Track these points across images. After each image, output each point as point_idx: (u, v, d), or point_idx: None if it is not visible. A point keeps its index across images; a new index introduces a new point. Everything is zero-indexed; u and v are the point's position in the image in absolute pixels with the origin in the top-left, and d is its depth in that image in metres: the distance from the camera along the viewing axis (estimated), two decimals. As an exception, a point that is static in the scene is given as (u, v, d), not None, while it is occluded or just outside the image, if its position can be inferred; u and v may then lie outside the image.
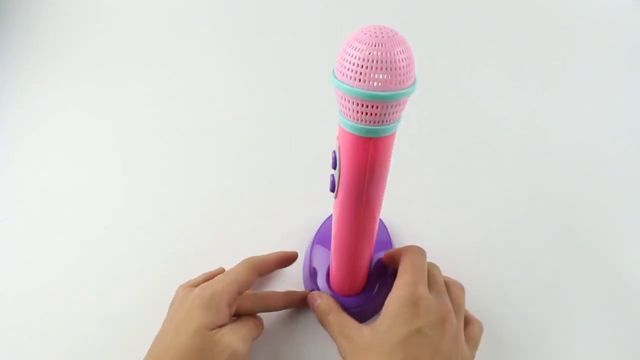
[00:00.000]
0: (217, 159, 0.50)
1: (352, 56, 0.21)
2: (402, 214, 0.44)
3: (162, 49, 0.62)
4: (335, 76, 0.23)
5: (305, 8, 0.63)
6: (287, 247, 0.42)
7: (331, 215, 0.40)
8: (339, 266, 0.34)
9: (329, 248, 0.36)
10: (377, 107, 0.22)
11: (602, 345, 0.37)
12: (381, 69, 0.21)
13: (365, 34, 0.21)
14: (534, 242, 0.43)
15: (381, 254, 0.37)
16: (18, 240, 0.46)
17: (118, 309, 0.41)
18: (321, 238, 0.40)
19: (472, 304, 0.35)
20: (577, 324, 0.38)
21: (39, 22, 0.66)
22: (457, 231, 0.43)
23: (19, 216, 0.48)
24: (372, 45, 0.21)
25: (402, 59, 0.21)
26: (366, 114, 0.23)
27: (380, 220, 0.39)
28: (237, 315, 0.34)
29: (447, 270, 0.39)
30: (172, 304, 0.36)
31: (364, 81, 0.21)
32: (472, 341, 0.31)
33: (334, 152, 0.26)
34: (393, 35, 0.21)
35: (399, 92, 0.22)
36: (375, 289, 0.36)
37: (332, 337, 0.32)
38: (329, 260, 0.37)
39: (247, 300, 0.34)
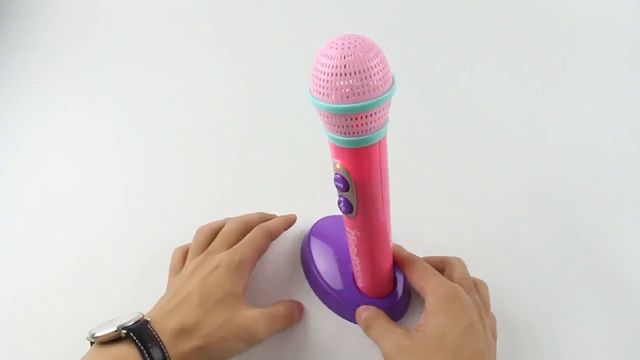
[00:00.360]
0: (217, 159, 0.50)
1: (323, 73, 0.21)
2: (402, 214, 0.44)
3: (162, 49, 0.61)
4: (313, 96, 0.22)
5: (305, 8, 0.63)
6: (287, 247, 0.42)
7: (324, 218, 0.41)
8: (373, 273, 0.34)
9: (328, 245, 0.38)
10: (371, 115, 0.22)
11: (602, 345, 0.37)
12: (356, 79, 0.20)
13: (332, 47, 0.21)
14: (533, 242, 0.43)
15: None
16: (18, 240, 0.46)
17: (118, 309, 0.41)
18: (317, 236, 0.40)
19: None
20: (577, 323, 0.38)
21: (39, 22, 0.66)
22: (457, 231, 0.43)
23: (19, 216, 0.48)
24: (340, 58, 0.20)
25: (374, 65, 0.21)
26: (365, 124, 0.22)
27: None
28: None
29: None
30: (173, 268, 0.37)
31: (347, 96, 0.21)
32: (495, 334, 0.33)
33: (338, 175, 0.26)
34: (361, 43, 0.21)
35: (381, 97, 0.21)
36: (402, 285, 0.37)
37: (377, 342, 0.32)
38: (331, 257, 0.38)
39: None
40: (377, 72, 0.21)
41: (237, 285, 0.33)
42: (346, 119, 0.22)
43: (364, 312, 0.34)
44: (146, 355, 0.27)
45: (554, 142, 0.49)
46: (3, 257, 0.45)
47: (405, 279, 0.37)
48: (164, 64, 0.60)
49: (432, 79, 0.55)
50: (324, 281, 0.37)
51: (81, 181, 0.50)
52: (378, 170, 0.26)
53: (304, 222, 0.42)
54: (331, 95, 0.21)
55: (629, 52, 0.56)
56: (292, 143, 0.50)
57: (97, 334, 0.29)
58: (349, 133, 0.23)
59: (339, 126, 0.22)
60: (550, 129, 0.50)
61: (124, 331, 0.29)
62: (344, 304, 0.37)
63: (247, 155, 0.50)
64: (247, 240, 0.36)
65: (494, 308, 0.35)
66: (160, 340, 0.28)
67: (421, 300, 0.34)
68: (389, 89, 0.22)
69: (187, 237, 0.44)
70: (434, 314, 0.30)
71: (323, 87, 0.21)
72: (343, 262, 0.38)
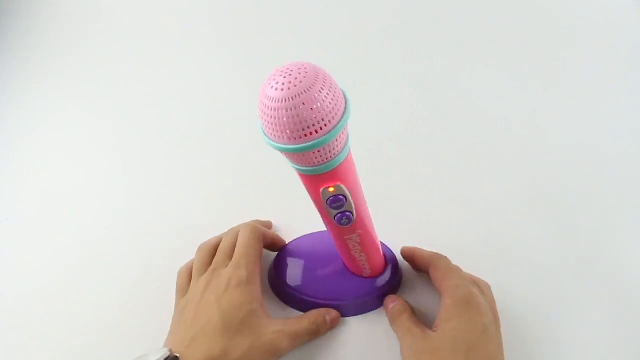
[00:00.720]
0: (217, 159, 0.50)
1: (271, 117, 0.20)
2: (402, 214, 0.44)
3: (162, 49, 0.62)
4: (269, 138, 0.22)
5: (305, 8, 0.63)
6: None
7: (304, 235, 0.42)
8: (377, 253, 0.36)
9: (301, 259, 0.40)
10: (341, 135, 0.22)
11: (602, 345, 0.37)
12: (311, 118, 0.20)
13: (273, 87, 0.20)
14: (533, 242, 0.43)
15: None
16: (18, 240, 0.46)
17: (118, 309, 0.41)
18: (288, 253, 0.41)
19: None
20: (577, 323, 0.38)
21: (39, 22, 0.66)
22: (457, 231, 0.43)
23: (19, 216, 0.48)
24: (286, 101, 0.19)
25: (324, 97, 0.20)
26: (340, 143, 0.22)
27: None
28: None
29: (447, 270, 0.39)
30: (181, 289, 0.37)
31: (315, 131, 0.20)
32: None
33: (335, 197, 0.26)
34: (304, 75, 0.19)
35: (339, 126, 0.21)
36: (390, 265, 0.39)
37: (399, 336, 0.33)
38: (319, 281, 0.39)
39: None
40: (329, 102, 0.20)
41: (254, 300, 0.33)
42: (324, 149, 0.22)
43: (391, 303, 0.36)
44: None
45: (554, 142, 0.49)
46: (3, 257, 0.45)
47: (391, 253, 0.40)
48: (164, 64, 0.60)
49: (432, 79, 0.55)
50: (337, 301, 0.38)
51: (81, 181, 0.50)
52: (355, 166, 0.27)
53: (305, 222, 0.42)
54: (299, 138, 0.20)
55: (629, 52, 0.56)
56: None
57: None
58: (333, 156, 0.23)
59: (325, 154, 0.22)
60: (550, 129, 0.50)
61: None
62: (360, 300, 0.38)
63: (247, 155, 0.50)
64: (244, 249, 0.36)
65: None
66: None
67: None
68: (344, 110, 0.21)
69: (187, 237, 0.44)
70: (449, 317, 0.31)
71: (288, 133, 0.20)
72: (330, 273, 0.39)
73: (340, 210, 0.27)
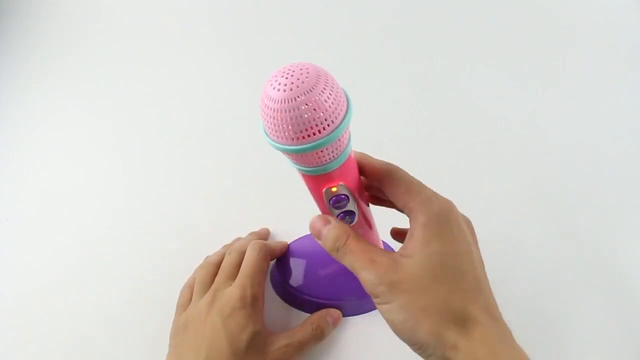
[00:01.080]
0: (217, 159, 0.50)
1: (273, 117, 0.20)
2: (402, 214, 0.44)
3: (162, 49, 0.61)
4: (270, 138, 0.22)
5: (305, 8, 0.63)
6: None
7: (305, 235, 0.42)
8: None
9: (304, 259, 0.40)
10: (343, 135, 0.22)
11: (602, 345, 0.37)
12: (308, 119, 0.20)
13: (275, 87, 0.19)
14: (533, 242, 0.43)
15: None
16: (18, 240, 0.46)
17: (118, 309, 0.41)
18: (289, 253, 0.41)
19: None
20: (577, 323, 0.38)
21: (39, 22, 0.66)
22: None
23: (19, 216, 0.48)
24: (288, 102, 0.19)
25: (326, 98, 0.20)
26: (342, 143, 0.22)
27: None
28: None
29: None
30: (181, 305, 0.37)
31: (319, 131, 0.20)
32: None
33: (338, 196, 0.26)
34: (306, 76, 0.19)
35: (345, 119, 0.21)
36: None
37: (353, 269, 0.26)
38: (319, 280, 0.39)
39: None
40: (331, 103, 0.20)
41: (258, 321, 0.33)
42: (327, 149, 0.22)
43: (323, 227, 0.27)
44: None
45: (554, 142, 0.49)
46: (3, 257, 0.45)
47: (387, 247, 0.39)
48: (164, 64, 0.60)
49: (432, 79, 0.55)
50: (338, 299, 0.38)
51: (81, 181, 0.50)
52: (357, 166, 0.27)
53: (305, 222, 0.42)
54: (301, 139, 0.20)
55: (629, 52, 0.56)
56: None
57: None
58: (336, 156, 0.23)
59: (327, 154, 0.22)
60: (550, 129, 0.50)
61: None
62: (362, 300, 0.38)
63: (247, 155, 0.50)
64: (250, 269, 0.36)
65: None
66: None
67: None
68: (347, 111, 0.21)
69: (187, 237, 0.44)
70: (427, 238, 0.24)
71: (290, 134, 0.20)
72: (332, 272, 0.39)
73: (342, 209, 0.27)
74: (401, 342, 0.37)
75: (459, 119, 0.52)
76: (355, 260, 0.25)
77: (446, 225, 0.25)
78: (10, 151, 0.54)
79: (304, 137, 0.20)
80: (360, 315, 0.38)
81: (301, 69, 0.20)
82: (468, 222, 0.28)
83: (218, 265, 0.38)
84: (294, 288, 0.38)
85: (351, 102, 0.22)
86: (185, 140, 0.52)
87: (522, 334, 0.37)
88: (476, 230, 0.43)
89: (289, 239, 0.42)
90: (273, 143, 0.21)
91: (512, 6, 0.62)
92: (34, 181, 0.51)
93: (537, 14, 0.61)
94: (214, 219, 0.46)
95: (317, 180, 0.25)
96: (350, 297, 0.38)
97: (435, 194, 0.27)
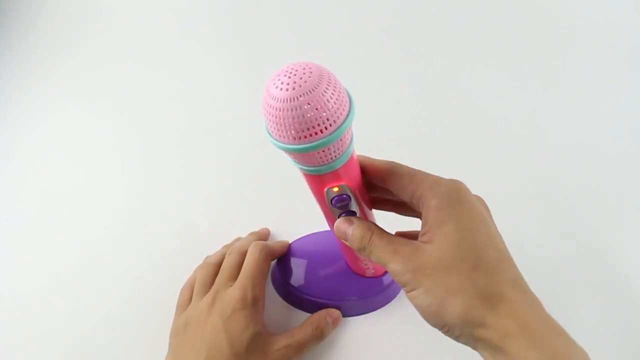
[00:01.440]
0: (217, 159, 0.50)
1: (275, 117, 0.20)
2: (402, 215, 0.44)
3: (162, 49, 0.61)
4: (273, 137, 0.22)
5: (305, 8, 0.63)
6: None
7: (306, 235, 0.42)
8: None
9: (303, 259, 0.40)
10: (346, 135, 0.22)
11: (602, 345, 0.37)
12: (311, 119, 0.20)
13: (278, 86, 0.20)
14: (533, 242, 0.43)
15: None
16: (18, 240, 0.46)
17: (118, 309, 0.41)
18: (290, 253, 0.41)
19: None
20: (577, 323, 0.38)
21: (39, 22, 0.66)
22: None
23: (19, 216, 0.48)
24: (290, 101, 0.19)
25: (327, 100, 0.20)
26: (345, 143, 0.22)
27: None
28: None
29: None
30: (181, 305, 0.36)
31: (321, 130, 0.20)
32: None
33: (340, 196, 0.26)
34: (309, 75, 0.19)
35: (348, 118, 0.21)
36: None
37: (380, 263, 0.26)
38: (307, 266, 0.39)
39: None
40: (334, 102, 0.20)
41: (258, 322, 0.34)
42: (329, 148, 0.22)
43: (348, 228, 0.27)
44: None
45: (554, 142, 0.49)
46: (3, 257, 0.45)
47: None
48: (164, 64, 0.60)
49: (432, 79, 0.55)
50: (338, 301, 0.38)
51: (81, 181, 0.50)
52: (359, 166, 0.27)
53: (305, 222, 0.42)
54: (304, 138, 0.20)
55: (629, 52, 0.56)
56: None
57: None
58: (338, 155, 0.23)
59: (330, 154, 0.22)
60: (550, 129, 0.50)
61: None
62: (363, 301, 0.38)
63: (247, 155, 0.50)
64: (251, 270, 0.36)
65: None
66: None
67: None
68: (349, 110, 0.21)
69: (187, 237, 0.44)
70: (441, 220, 0.24)
71: (293, 133, 0.20)
72: (333, 272, 0.39)
73: (344, 210, 0.27)
74: (401, 342, 0.37)
75: (459, 119, 0.52)
76: (381, 255, 0.26)
77: (458, 204, 0.25)
78: (10, 151, 0.54)
79: (306, 137, 0.20)
80: (361, 316, 0.38)
81: (304, 68, 0.20)
82: (480, 199, 0.27)
83: (218, 265, 0.38)
84: (294, 288, 0.38)
85: (354, 101, 0.22)
86: (185, 140, 0.52)
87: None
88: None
89: (289, 239, 0.42)
90: (275, 142, 0.21)
91: (512, 6, 0.62)
92: (34, 181, 0.51)
93: (537, 14, 0.61)
94: (214, 219, 0.46)
95: (319, 180, 0.25)
96: (351, 297, 0.38)
97: (441, 177, 0.26)
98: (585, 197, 0.45)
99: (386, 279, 0.38)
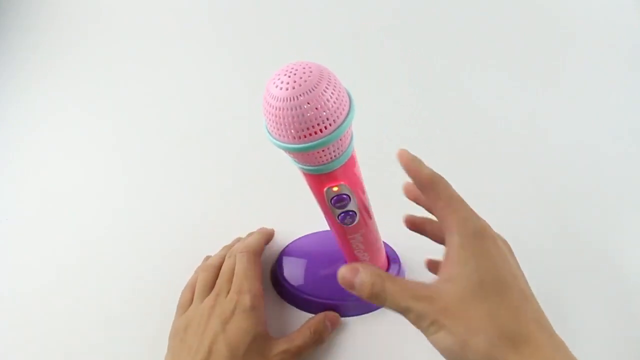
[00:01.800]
0: (217, 159, 0.50)
1: (275, 116, 0.20)
2: (402, 214, 0.44)
3: (162, 49, 0.61)
4: (273, 137, 0.22)
5: (305, 8, 0.63)
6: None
7: (306, 235, 0.42)
8: (380, 253, 0.36)
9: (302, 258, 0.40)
10: (345, 135, 0.22)
11: (602, 345, 0.37)
12: (311, 118, 0.20)
13: (277, 86, 0.20)
14: (533, 242, 0.43)
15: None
16: (18, 240, 0.46)
17: (118, 309, 0.41)
18: (290, 252, 0.41)
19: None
20: (577, 323, 0.38)
21: (39, 22, 0.66)
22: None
23: (19, 216, 0.48)
24: (290, 100, 0.19)
25: (327, 99, 0.20)
26: (344, 142, 0.22)
27: None
28: None
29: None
30: (182, 306, 0.37)
31: (311, 134, 0.20)
32: None
33: (339, 196, 0.26)
34: (309, 75, 0.19)
35: (348, 117, 0.21)
36: (393, 265, 0.39)
37: (399, 310, 0.25)
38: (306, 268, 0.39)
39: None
40: (334, 101, 0.20)
41: (259, 324, 0.33)
42: (329, 148, 0.22)
43: (355, 277, 0.26)
44: None
45: (554, 142, 0.49)
46: (3, 257, 0.45)
47: (394, 253, 0.39)
48: (164, 64, 0.60)
49: (432, 79, 0.55)
50: (336, 299, 0.38)
51: (81, 181, 0.50)
52: (359, 166, 0.27)
53: (305, 222, 0.42)
54: (303, 137, 0.20)
55: (629, 52, 0.56)
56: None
57: None
58: (338, 155, 0.23)
59: (329, 154, 0.22)
60: (550, 129, 0.50)
61: None
62: (363, 301, 0.38)
63: (247, 155, 0.50)
64: (243, 272, 0.36)
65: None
66: None
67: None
68: (349, 110, 0.21)
69: (186, 237, 0.44)
70: (464, 259, 0.24)
71: (292, 132, 0.20)
72: (333, 272, 0.39)
73: (344, 209, 0.27)
74: (401, 342, 0.37)
75: (459, 119, 0.52)
76: (398, 301, 0.24)
77: (482, 244, 0.25)
78: (10, 151, 0.54)
79: (306, 136, 0.20)
80: (361, 316, 0.38)
81: (304, 68, 0.20)
82: (505, 242, 0.28)
83: (218, 267, 0.38)
84: (294, 288, 0.38)
85: (354, 101, 0.22)
86: (185, 140, 0.52)
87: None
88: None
89: (289, 239, 0.42)
90: (275, 141, 0.21)
91: (512, 6, 0.62)
92: (34, 181, 0.51)
93: (537, 14, 0.61)
94: (214, 219, 0.46)
95: (318, 179, 0.25)
96: (351, 297, 0.38)
97: (473, 213, 0.26)
98: (585, 197, 0.45)
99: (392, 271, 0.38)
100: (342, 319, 0.38)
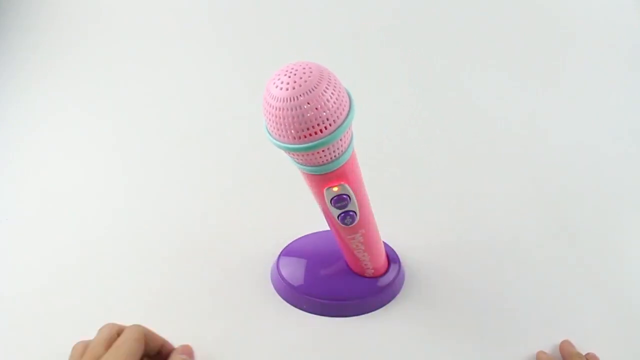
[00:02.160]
0: (217, 159, 0.50)
1: (275, 116, 0.20)
2: (401, 214, 0.44)
3: (162, 49, 0.61)
4: (273, 137, 0.22)
5: (305, 8, 0.63)
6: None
7: (306, 235, 0.42)
8: (380, 253, 0.36)
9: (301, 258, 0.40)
10: (345, 135, 0.22)
11: (602, 345, 0.37)
12: (311, 118, 0.20)
13: (278, 86, 0.20)
14: (533, 242, 0.43)
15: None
16: (18, 240, 0.46)
17: (118, 309, 0.41)
18: (290, 252, 0.41)
19: (472, 303, 0.35)
20: (576, 323, 0.38)
21: (39, 22, 0.66)
22: (457, 231, 0.43)
23: (19, 216, 0.48)
24: (290, 100, 0.19)
25: (327, 99, 0.20)
26: (345, 142, 0.22)
27: None
28: None
29: (448, 269, 0.39)
30: None
31: (311, 135, 0.20)
32: None
33: (340, 196, 0.26)
34: (309, 75, 0.20)
35: (348, 117, 0.21)
36: (393, 265, 0.39)
37: None
38: (306, 268, 0.39)
39: None
40: (334, 102, 0.20)
41: None
42: (329, 148, 0.22)
43: None
44: None
45: (554, 142, 0.49)
46: (3, 257, 0.45)
47: (394, 253, 0.39)
48: (164, 64, 0.60)
49: (432, 79, 0.55)
50: (333, 297, 0.38)
51: (81, 181, 0.50)
52: (359, 166, 0.27)
53: (305, 222, 0.42)
54: (303, 138, 0.21)
55: (629, 52, 0.56)
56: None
57: None
58: (338, 155, 0.23)
59: (329, 154, 0.22)
60: (550, 129, 0.50)
61: None
62: (363, 300, 0.38)
63: (247, 155, 0.50)
64: (125, 348, 0.31)
65: (494, 306, 0.35)
66: None
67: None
68: (349, 110, 0.21)
69: (186, 237, 0.44)
70: None
71: (293, 132, 0.20)
72: (333, 272, 0.39)
73: (344, 209, 0.27)
74: (401, 342, 0.37)
75: (459, 119, 0.52)
76: None
77: None
78: (10, 151, 0.54)
79: (306, 136, 0.20)
80: (361, 316, 0.38)
81: (304, 68, 0.20)
82: None
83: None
84: (294, 288, 0.38)
85: (354, 101, 0.22)
86: (185, 140, 0.52)
87: (522, 333, 0.37)
88: (476, 230, 0.44)
89: (289, 239, 0.42)
90: (275, 142, 0.21)
91: (512, 6, 0.62)
92: (34, 181, 0.51)
93: (537, 14, 0.61)
94: (213, 218, 0.46)
95: (318, 179, 0.24)
96: (351, 297, 0.38)
97: None
98: (585, 197, 0.45)
99: (386, 279, 0.38)
100: (342, 319, 0.38)
